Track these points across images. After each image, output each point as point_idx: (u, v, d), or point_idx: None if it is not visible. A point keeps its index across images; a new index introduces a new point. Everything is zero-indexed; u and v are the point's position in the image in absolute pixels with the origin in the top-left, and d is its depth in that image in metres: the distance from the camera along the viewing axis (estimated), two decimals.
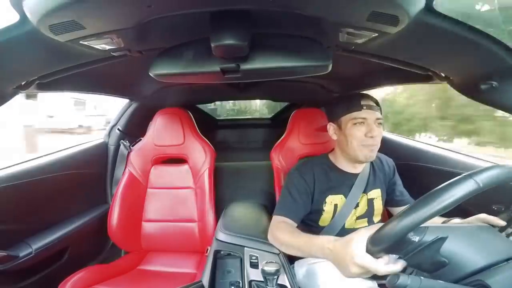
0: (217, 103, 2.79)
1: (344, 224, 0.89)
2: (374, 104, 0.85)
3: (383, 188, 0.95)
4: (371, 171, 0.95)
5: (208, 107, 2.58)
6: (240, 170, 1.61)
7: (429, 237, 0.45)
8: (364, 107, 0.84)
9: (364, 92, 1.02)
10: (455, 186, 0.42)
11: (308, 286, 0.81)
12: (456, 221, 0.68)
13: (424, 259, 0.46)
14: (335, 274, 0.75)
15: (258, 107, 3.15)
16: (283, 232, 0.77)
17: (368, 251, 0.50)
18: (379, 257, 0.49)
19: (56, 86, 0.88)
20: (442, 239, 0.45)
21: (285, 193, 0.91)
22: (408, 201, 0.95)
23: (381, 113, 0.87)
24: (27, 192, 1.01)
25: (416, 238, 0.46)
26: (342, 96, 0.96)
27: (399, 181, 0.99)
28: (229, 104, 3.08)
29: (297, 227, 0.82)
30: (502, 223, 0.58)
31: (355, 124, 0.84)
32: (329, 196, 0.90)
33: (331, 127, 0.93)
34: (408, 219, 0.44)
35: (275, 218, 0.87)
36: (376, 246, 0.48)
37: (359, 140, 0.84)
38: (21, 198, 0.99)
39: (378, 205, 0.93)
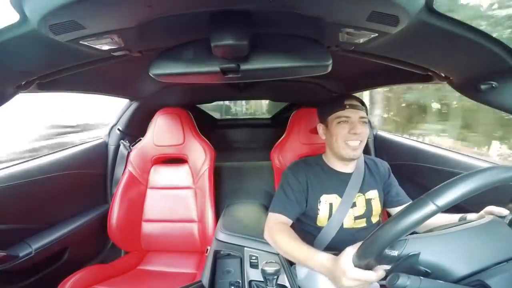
0: (238, 108, 3.18)
1: (342, 224, 0.90)
2: (358, 104, 0.89)
3: (380, 189, 0.97)
4: (366, 172, 0.96)
5: (230, 111, 3.02)
6: (240, 170, 1.62)
7: (407, 251, 0.47)
8: (347, 106, 0.88)
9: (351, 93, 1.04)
10: (414, 211, 0.44)
11: (309, 286, 0.81)
12: (471, 216, 0.69)
13: (408, 270, 0.47)
14: None
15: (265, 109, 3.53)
16: (283, 236, 0.77)
17: (356, 266, 0.52)
18: (369, 269, 0.52)
19: (56, 86, 0.88)
20: (415, 255, 0.47)
21: (279, 192, 0.93)
22: (404, 201, 0.96)
23: (366, 113, 0.90)
24: (27, 192, 1.01)
25: (394, 253, 0.48)
26: (328, 97, 0.99)
27: (394, 182, 1.00)
28: (244, 107, 3.53)
29: (296, 228, 0.83)
30: (505, 212, 0.58)
31: (339, 122, 0.89)
32: (323, 195, 0.92)
33: (320, 128, 0.97)
34: (376, 239, 0.47)
35: (271, 215, 0.88)
36: (361, 261, 0.51)
37: (343, 137, 0.88)
38: (21, 198, 0.99)
39: (376, 206, 0.94)
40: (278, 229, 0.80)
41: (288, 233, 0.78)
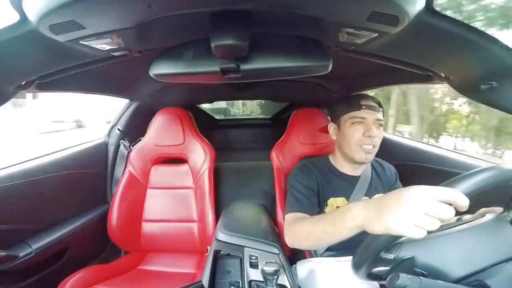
0: (236, 110, 3.49)
1: None
2: (375, 105, 0.85)
3: (386, 193, 0.95)
4: (373, 175, 0.94)
5: (230, 113, 3.37)
6: (240, 170, 1.61)
7: (403, 254, 0.48)
8: (363, 107, 0.83)
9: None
10: None
11: (309, 286, 0.81)
12: (467, 217, 0.68)
13: (405, 272, 0.47)
14: (336, 275, 0.75)
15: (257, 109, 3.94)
16: (302, 223, 0.72)
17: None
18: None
19: (56, 86, 0.88)
20: (410, 259, 0.47)
21: (292, 192, 0.89)
22: None
23: (383, 115, 0.86)
24: (27, 192, 1.01)
25: (390, 256, 0.48)
26: (343, 96, 0.95)
27: (400, 187, 0.97)
28: (241, 109, 3.98)
29: None
30: (498, 209, 0.58)
31: (353, 123, 0.84)
32: (331, 198, 0.90)
33: (331, 127, 0.94)
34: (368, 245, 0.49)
35: (288, 217, 0.83)
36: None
37: (356, 139, 0.83)
38: (21, 198, 0.99)
39: None
40: (296, 222, 0.75)
41: (307, 218, 0.74)
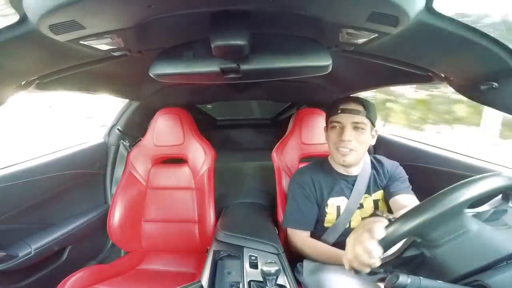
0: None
1: (350, 224, 0.91)
2: (354, 108, 0.85)
3: (386, 187, 0.95)
4: (373, 173, 0.95)
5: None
6: (240, 170, 1.61)
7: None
8: (339, 111, 0.85)
9: (355, 94, 1.04)
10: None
11: (314, 284, 0.81)
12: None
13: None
14: (342, 274, 0.76)
15: None
16: (308, 249, 0.89)
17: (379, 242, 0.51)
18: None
19: (56, 86, 0.88)
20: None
21: (292, 204, 0.95)
22: (403, 190, 0.89)
23: (370, 117, 0.85)
24: (27, 192, 1.01)
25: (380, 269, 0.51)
26: (330, 99, 1.01)
27: (402, 173, 0.95)
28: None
29: None
30: None
31: (332, 127, 0.88)
32: (331, 198, 0.91)
33: (325, 131, 0.97)
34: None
35: (292, 232, 0.93)
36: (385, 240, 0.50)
37: (333, 143, 0.88)
38: (21, 198, 0.99)
39: (383, 207, 0.94)
40: (306, 246, 0.89)
41: (312, 246, 0.89)
